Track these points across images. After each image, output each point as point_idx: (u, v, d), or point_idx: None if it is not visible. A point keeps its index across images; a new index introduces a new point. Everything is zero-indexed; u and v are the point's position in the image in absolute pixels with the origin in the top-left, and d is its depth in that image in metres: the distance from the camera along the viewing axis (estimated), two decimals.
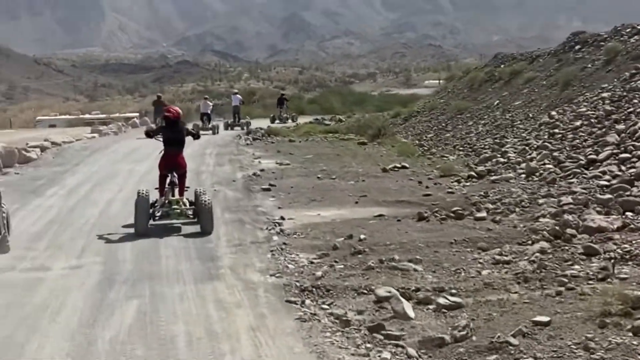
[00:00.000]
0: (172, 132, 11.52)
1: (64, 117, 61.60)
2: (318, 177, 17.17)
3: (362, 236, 9.95)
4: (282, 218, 12.11)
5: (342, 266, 8.55)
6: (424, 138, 25.04)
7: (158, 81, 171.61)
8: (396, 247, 9.37)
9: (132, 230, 10.94)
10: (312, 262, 8.89)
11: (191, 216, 11.20)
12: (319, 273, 8.19)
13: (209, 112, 35.86)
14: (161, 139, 11.64)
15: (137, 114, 56.94)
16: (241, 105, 39.95)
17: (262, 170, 18.82)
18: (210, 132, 32.96)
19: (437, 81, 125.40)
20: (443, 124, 25.46)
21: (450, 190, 14.64)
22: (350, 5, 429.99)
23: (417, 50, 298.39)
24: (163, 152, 11.58)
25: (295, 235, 10.61)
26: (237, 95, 40.67)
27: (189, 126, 33.15)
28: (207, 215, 10.78)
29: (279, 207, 13.30)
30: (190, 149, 26.19)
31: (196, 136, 12.45)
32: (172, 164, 11.51)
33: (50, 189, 15.85)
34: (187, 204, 11.38)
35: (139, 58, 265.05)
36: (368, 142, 26.72)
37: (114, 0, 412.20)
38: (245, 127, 36.14)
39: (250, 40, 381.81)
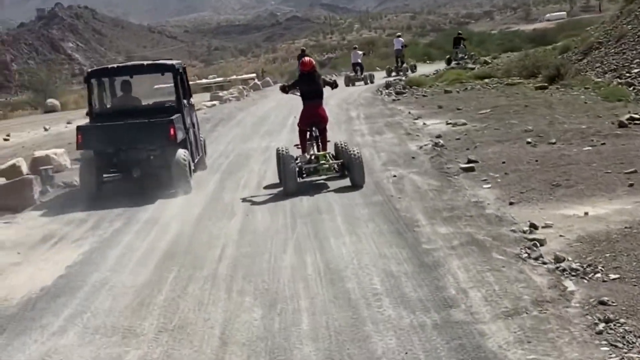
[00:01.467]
0: (309, 85, 10.77)
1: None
2: (528, 143, 12.06)
3: None
4: (533, 227, 7.24)
5: None
6: (628, 75, 19.24)
7: (269, 40, 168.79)
8: None
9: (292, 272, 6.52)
10: None
11: (338, 171, 10.50)
12: None
13: (359, 61, 34.12)
14: (298, 94, 10.90)
15: (254, 75, 53.19)
16: (404, 48, 38.01)
17: (438, 136, 13.94)
18: (363, 82, 32.09)
19: (562, 13, 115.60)
20: None
21: None
22: None
23: None
24: (303, 106, 10.82)
25: (598, 274, 5.70)
26: (400, 39, 38.62)
27: (340, 78, 29.74)
28: (358, 168, 10.09)
29: (511, 203, 8.40)
30: (329, 112, 21.74)
31: (334, 85, 11.51)
32: (313, 118, 10.75)
33: None
34: (332, 158, 10.72)
35: (249, 18, 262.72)
36: (548, 85, 21.20)
37: None
38: (410, 71, 35.50)
39: None
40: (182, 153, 11.24)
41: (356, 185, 10.01)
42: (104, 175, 11.60)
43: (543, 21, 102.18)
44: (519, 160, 10.74)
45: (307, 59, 11.33)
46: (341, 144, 10.84)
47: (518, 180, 9.54)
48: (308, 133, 10.80)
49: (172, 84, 12.22)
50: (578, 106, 16.11)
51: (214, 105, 27.91)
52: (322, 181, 10.70)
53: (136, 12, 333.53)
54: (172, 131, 11.18)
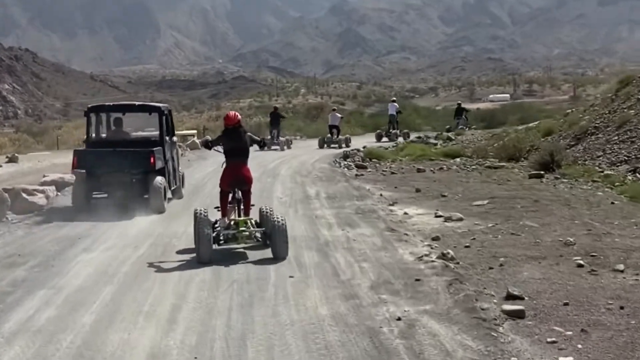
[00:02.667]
0: (233, 141, 9.76)
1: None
2: (580, 266, 8.19)
3: None
4: None
5: None
6: None
7: (214, 97, 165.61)
8: None
9: None
10: None
11: (260, 239, 9.29)
12: None
13: (337, 124, 33.18)
14: (221, 150, 9.87)
15: (195, 132, 49.09)
16: (398, 114, 36.94)
17: (435, 238, 10.03)
18: (337, 145, 31.22)
19: (505, 95, 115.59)
20: None
21: None
22: (406, 20, 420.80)
23: (476, 64, 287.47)
24: (225, 165, 9.77)
25: None
26: (394, 104, 37.56)
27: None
28: (281, 238, 8.98)
29: None
30: (282, 186, 17.79)
31: (262, 144, 10.57)
32: (236, 178, 9.66)
33: (25, 301, 7.18)
34: (255, 225, 9.50)
35: (195, 74, 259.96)
36: (544, 173, 17.66)
37: (171, 18, 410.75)
38: (405, 137, 34.85)
39: (305, 56, 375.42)
40: (159, 180, 13.38)
41: (277, 258, 8.93)
42: (93, 194, 13.81)
43: (487, 102, 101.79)
44: (590, 302, 6.80)
45: (231, 112, 10.09)
46: (266, 210, 9.74)
47: (616, 351, 5.57)
48: (230, 195, 9.75)
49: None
50: (607, 208, 12.43)
51: None
52: (241, 250, 9.47)
53: (80, 59, 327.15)
54: (152, 160, 13.42)
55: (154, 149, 13.64)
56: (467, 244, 9.63)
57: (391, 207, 13.46)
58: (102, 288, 7.71)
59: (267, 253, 9.14)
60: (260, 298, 7.17)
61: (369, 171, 20.59)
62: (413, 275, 7.88)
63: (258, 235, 9.36)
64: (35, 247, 10.19)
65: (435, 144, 32.01)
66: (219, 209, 9.81)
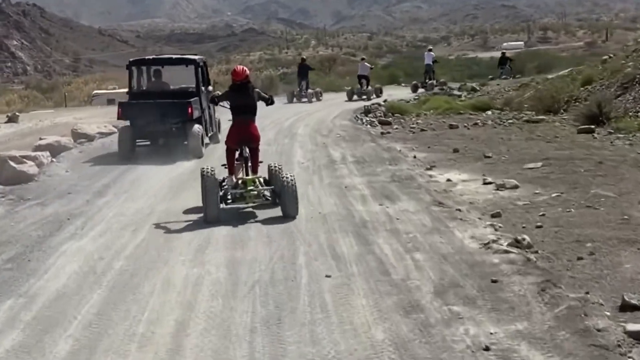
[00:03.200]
0: (240, 97, 9.34)
1: (124, 91, 51.80)
2: None
3: None
4: None
5: None
6: None
7: (224, 50, 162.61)
8: None
9: None
10: None
11: (269, 198, 9.07)
12: None
13: (367, 74, 31.44)
14: (228, 106, 9.47)
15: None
16: (434, 63, 35.33)
17: (496, 215, 8.27)
18: (367, 96, 29.75)
19: (519, 42, 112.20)
20: None
21: None
22: None
23: (489, 12, 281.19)
24: (232, 122, 9.46)
25: None
26: (431, 53, 35.91)
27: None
28: (290, 196, 8.70)
29: None
30: (301, 148, 15.98)
31: (269, 101, 9.80)
32: (243, 136, 9.34)
33: None
34: (263, 183, 9.26)
35: (204, 27, 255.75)
36: (595, 128, 15.76)
37: None
38: (443, 87, 33.04)
39: (314, 7, 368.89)
40: (197, 127, 14.36)
41: (287, 216, 8.68)
42: (137, 141, 14.78)
43: (501, 50, 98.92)
44: None
45: (239, 67, 9.67)
46: (274, 167, 9.47)
47: None
48: (237, 152, 9.45)
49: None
50: None
51: None
52: (250, 209, 9.18)
53: (88, 13, 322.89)
54: (189, 110, 14.34)
55: (191, 100, 14.53)
56: (538, 223, 7.83)
57: (430, 173, 11.68)
58: (87, 295, 6.01)
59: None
60: (291, 311, 5.43)
61: (395, 128, 18.72)
62: (486, 273, 6.10)
63: (267, 193, 9.16)
64: (14, 231, 8.50)
65: (460, 96, 30.01)
66: (226, 166, 9.53)
